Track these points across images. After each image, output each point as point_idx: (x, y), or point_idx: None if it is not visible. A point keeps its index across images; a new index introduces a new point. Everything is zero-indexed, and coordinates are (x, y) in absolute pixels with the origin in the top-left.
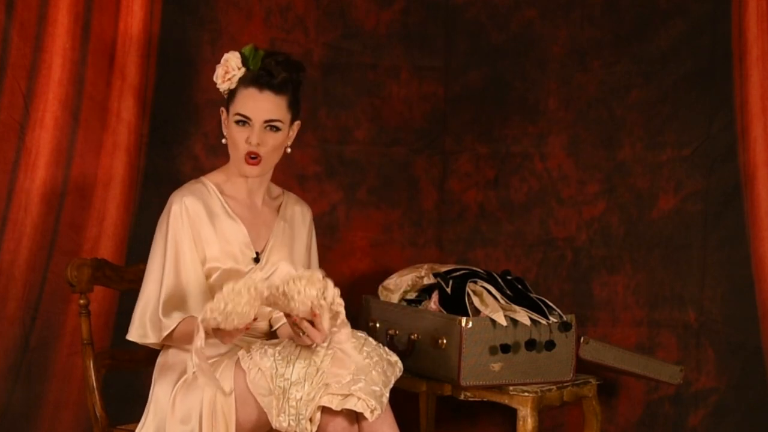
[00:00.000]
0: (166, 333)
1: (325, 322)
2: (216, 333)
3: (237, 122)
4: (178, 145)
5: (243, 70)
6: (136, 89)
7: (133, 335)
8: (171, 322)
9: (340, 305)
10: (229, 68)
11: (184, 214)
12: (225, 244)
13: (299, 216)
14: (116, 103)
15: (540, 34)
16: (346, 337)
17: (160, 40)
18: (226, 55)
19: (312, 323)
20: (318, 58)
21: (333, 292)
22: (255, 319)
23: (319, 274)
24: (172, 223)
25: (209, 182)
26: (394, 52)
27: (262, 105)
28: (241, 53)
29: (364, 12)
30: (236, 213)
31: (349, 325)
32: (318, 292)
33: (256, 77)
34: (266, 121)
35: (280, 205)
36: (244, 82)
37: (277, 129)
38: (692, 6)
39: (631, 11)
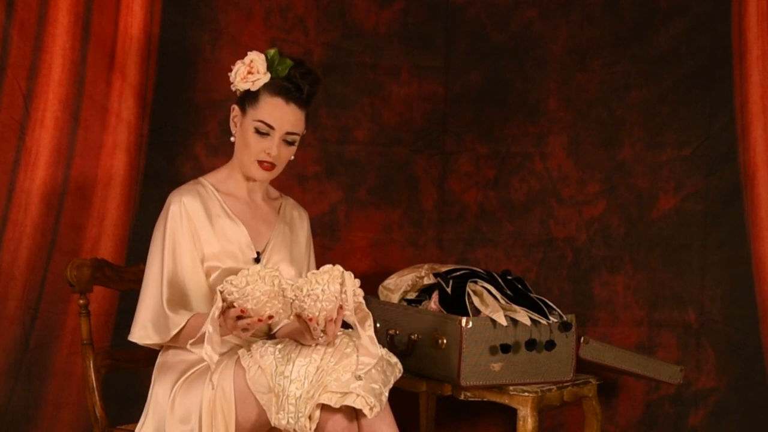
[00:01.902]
0: (175, 331)
1: (349, 315)
2: (226, 316)
3: (257, 129)
4: (178, 145)
5: (268, 75)
6: (136, 89)
7: (136, 336)
8: (180, 320)
9: (360, 295)
10: (254, 70)
11: (183, 214)
12: (225, 244)
13: (297, 220)
14: (116, 103)
15: (540, 34)
16: (370, 327)
17: (160, 40)
18: (251, 55)
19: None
20: (318, 58)
21: (353, 283)
22: (270, 318)
23: (338, 267)
24: (170, 222)
25: (207, 182)
26: (394, 52)
27: (287, 117)
28: (265, 56)
29: (364, 12)
30: (236, 213)
31: (371, 315)
32: (341, 287)
33: (283, 88)
34: (287, 133)
35: (279, 207)
36: (269, 89)
37: (293, 143)
38: (692, 6)
39: (631, 11)
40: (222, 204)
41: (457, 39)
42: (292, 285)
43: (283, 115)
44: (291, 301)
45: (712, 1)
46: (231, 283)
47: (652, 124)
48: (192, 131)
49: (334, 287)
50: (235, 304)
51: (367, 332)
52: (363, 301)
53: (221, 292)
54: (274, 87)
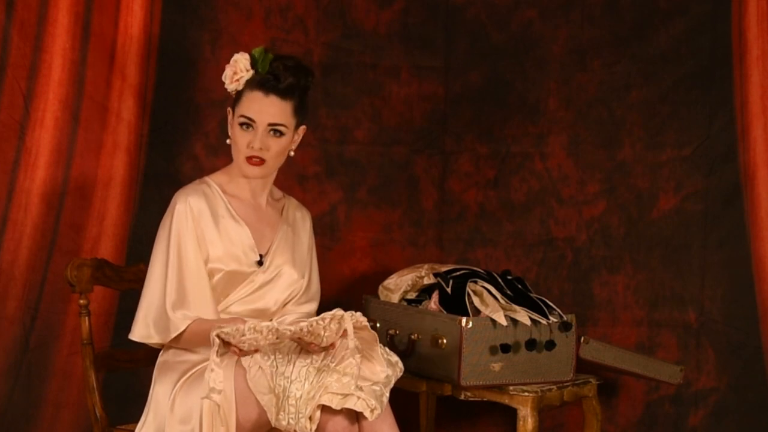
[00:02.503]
0: (174, 334)
1: (350, 340)
2: (224, 344)
3: (241, 124)
4: (178, 145)
5: (251, 72)
6: (136, 89)
7: (137, 335)
8: (180, 324)
9: (362, 323)
10: (238, 69)
11: (188, 214)
12: (229, 246)
13: (300, 221)
14: (116, 103)
15: (540, 34)
16: (376, 348)
17: (160, 40)
18: (235, 56)
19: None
20: (318, 58)
21: (350, 323)
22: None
23: (339, 311)
24: (175, 222)
25: (213, 182)
26: (394, 52)
27: (267, 109)
28: (250, 55)
29: (364, 12)
30: (240, 215)
31: (377, 337)
32: (342, 323)
33: (262, 81)
34: (270, 125)
35: (282, 208)
36: (250, 84)
37: (281, 134)
38: (692, 6)
39: (631, 11)
40: (227, 205)
41: (457, 39)
42: (293, 330)
43: (261, 107)
44: (290, 338)
45: (712, 1)
46: (226, 334)
47: (652, 124)
48: (192, 131)
49: (335, 325)
50: (232, 342)
51: (373, 353)
52: (367, 325)
53: (218, 336)
54: (255, 82)
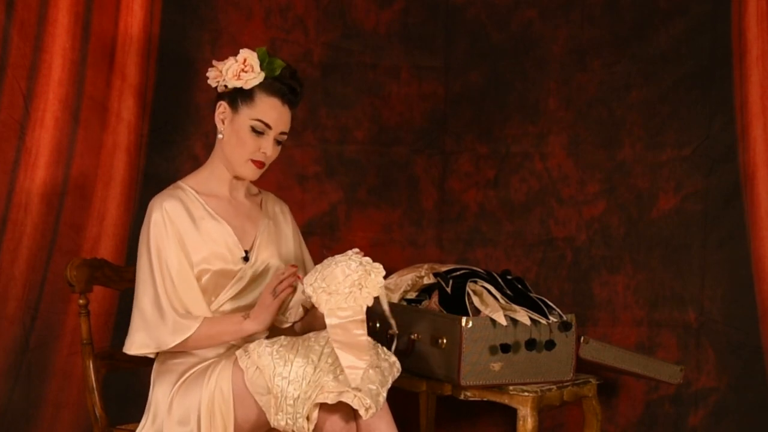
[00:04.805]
0: (185, 336)
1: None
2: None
3: (254, 128)
4: (178, 145)
5: (262, 74)
6: (136, 89)
7: (133, 349)
8: (191, 324)
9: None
10: (248, 68)
11: (166, 219)
12: (212, 246)
13: (280, 215)
14: (116, 103)
15: (540, 34)
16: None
17: (160, 40)
18: (243, 53)
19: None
20: (318, 58)
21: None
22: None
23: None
24: (153, 231)
25: (186, 186)
26: (394, 52)
27: (282, 117)
28: (256, 55)
29: (364, 12)
30: (219, 213)
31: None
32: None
33: (278, 88)
34: (281, 133)
35: (261, 203)
36: (264, 88)
37: (281, 143)
38: (692, 6)
39: (631, 11)
40: (204, 206)
41: (457, 39)
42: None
43: (279, 115)
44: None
45: (712, 1)
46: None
47: (652, 124)
48: (192, 131)
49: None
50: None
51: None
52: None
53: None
54: (269, 87)
